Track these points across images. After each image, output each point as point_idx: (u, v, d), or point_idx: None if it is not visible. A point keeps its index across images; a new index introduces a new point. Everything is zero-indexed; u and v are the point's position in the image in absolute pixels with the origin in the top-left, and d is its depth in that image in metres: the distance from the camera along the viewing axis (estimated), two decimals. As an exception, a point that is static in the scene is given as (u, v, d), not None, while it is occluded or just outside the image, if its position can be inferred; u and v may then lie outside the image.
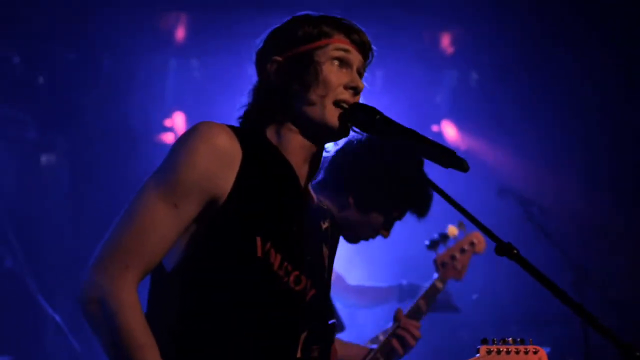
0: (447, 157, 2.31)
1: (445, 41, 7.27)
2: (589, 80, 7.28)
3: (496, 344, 2.86)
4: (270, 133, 2.44)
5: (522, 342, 2.87)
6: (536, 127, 7.46)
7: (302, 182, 2.46)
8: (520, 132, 7.49)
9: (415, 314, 4.05)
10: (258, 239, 2.28)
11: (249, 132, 2.39)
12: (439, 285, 4.23)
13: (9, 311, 6.74)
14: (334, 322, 2.67)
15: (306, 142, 2.43)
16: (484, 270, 5.50)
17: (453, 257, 4.30)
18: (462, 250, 4.33)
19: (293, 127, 2.43)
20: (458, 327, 7.16)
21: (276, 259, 2.31)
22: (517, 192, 6.62)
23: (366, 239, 3.79)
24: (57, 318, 6.45)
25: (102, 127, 7.13)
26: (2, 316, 6.72)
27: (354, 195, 3.65)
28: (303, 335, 2.44)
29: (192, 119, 7.55)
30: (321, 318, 2.53)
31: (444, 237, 4.33)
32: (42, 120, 7.24)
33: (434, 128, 7.74)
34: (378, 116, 2.40)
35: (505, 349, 2.85)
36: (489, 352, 2.85)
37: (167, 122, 7.52)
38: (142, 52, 7.04)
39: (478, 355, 2.85)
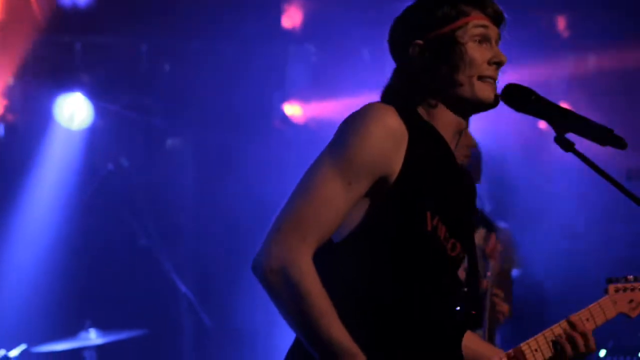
0: (605, 135, 2.35)
1: (561, 24, 7.19)
2: None
3: (622, 283, 2.89)
4: (421, 111, 2.48)
5: None
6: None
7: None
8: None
9: None
10: (428, 214, 2.36)
11: (407, 111, 2.44)
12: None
13: (144, 287, 7.01)
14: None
15: (456, 118, 2.48)
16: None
17: None
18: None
19: (443, 106, 2.47)
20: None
21: (442, 231, 2.40)
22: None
23: None
24: (190, 294, 6.73)
25: (223, 113, 7.32)
26: (137, 292, 6.98)
27: None
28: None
29: (310, 104, 7.72)
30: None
31: None
32: (168, 106, 7.49)
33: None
34: (533, 97, 2.44)
35: (630, 287, 2.89)
36: (616, 290, 2.89)
37: (285, 108, 7.72)
38: (261, 39, 7.22)
39: (607, 295, 2.90)
